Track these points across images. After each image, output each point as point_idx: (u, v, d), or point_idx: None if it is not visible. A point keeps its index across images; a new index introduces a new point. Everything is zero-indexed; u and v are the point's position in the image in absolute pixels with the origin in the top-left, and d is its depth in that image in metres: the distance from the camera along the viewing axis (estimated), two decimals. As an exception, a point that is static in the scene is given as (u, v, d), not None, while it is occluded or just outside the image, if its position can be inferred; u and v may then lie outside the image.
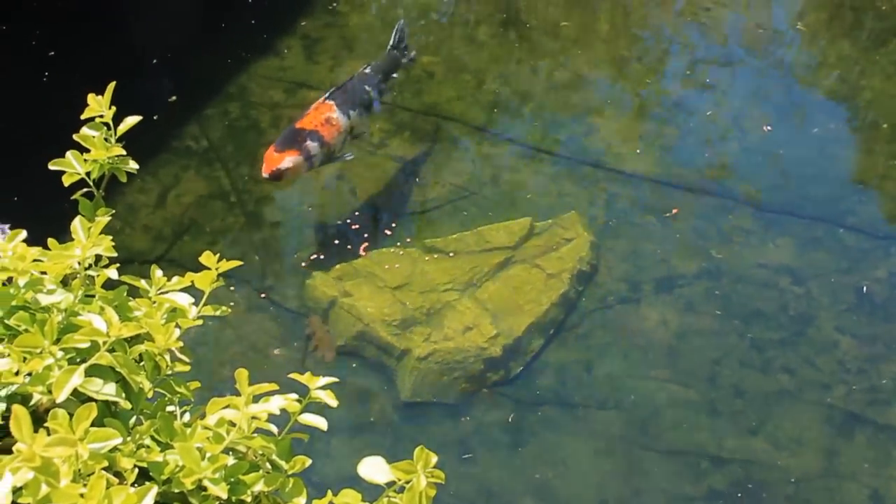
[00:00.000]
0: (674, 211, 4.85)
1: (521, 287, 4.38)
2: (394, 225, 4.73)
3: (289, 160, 4.35)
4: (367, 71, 4.92)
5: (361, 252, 4.53)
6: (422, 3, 6.34)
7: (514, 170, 5.12)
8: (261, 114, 5.37)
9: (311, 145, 4.45)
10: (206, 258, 1.88)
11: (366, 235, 4.66)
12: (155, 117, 5.06)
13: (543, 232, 4.65)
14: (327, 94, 4.66)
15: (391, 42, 5.11)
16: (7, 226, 4.02)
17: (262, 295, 4.42)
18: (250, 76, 5.67)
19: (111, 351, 1.70)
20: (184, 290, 1.89)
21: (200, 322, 1.83)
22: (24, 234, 1.94)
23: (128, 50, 5.85)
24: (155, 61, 5.81)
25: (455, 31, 6.18)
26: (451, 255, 4.53)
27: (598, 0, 6.37)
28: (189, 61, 5.80)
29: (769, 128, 5.34)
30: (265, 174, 4.35)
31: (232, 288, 4.41)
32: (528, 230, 4.64)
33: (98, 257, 1.90)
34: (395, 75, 5.15)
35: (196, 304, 1.86)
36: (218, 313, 1.86)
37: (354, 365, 4.19)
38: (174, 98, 5.48)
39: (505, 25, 6.20)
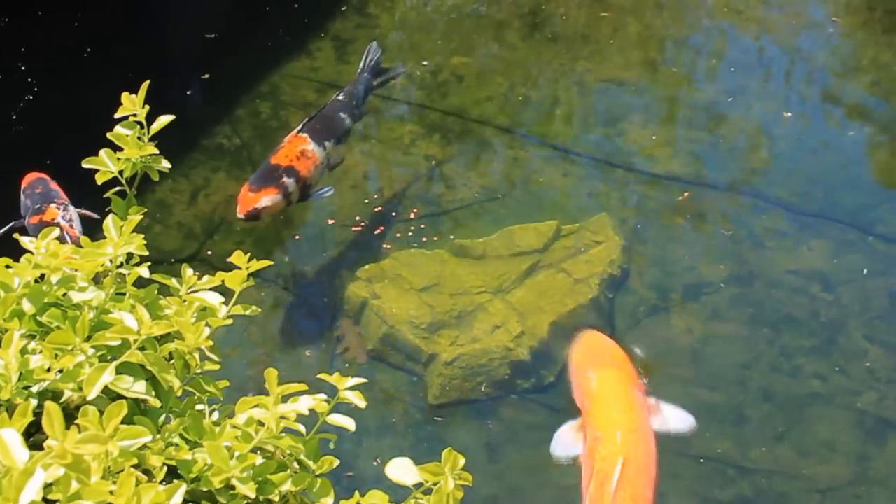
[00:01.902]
0: (685, 194, 4.83)
1: (550, 292, 4.36)
2: (422, 226, 4.73)
3: (266, 199, 4.16)
4: (341, 98, 4.74)
5: (385, 246, 4.52)
6: (451, 5, 6.34)
7: (544, 172, 5.11)
8: (291, 114, 5.39)
9: (288, 181, 4.25)
10: (237, 258, 1.89)
11: (397, 235, 4.67)
12: (187, 116, 5.09)
13: (571, 234, 4.63)
14: (301, 126, 4.48)
15: (362, 65, 4.92)
16: (83, 210, 4.08)
17: (291, 295, 4.44)
18: (281, 76, 5.69)
19: (141, 349, 1.71)
20: (214, 289, 1.90)
21: (230, 321, 1.84)
22: (56, 231, 1.96)
23: (160, 49, 5.89)
24: (186, 60, 5.85)
25: (485, 33, 6.17)
26: (479, 257, 4.53)
27: (628, 2, 6.34)
28: (221, 61, 5.83)
29: (789, 114, 5.31)
30: (241, 215, 4.15)
31: (261, 287, 4.43)
32: (556, 231, 4.62)
33: (129, 255, 1.92)
34: (368, 99, 4.95)
35: (226, 303, 1.87)
36: (248, 313, 1.87)
37: (382, 367, 4.19)
38: (206, 76, 5.51)
39: (535, 28, 6.19)
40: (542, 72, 5.86)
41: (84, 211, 4.09)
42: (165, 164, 2.04)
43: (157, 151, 2.01)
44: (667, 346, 4.25)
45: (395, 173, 5.04)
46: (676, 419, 3.34)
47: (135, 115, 2.03)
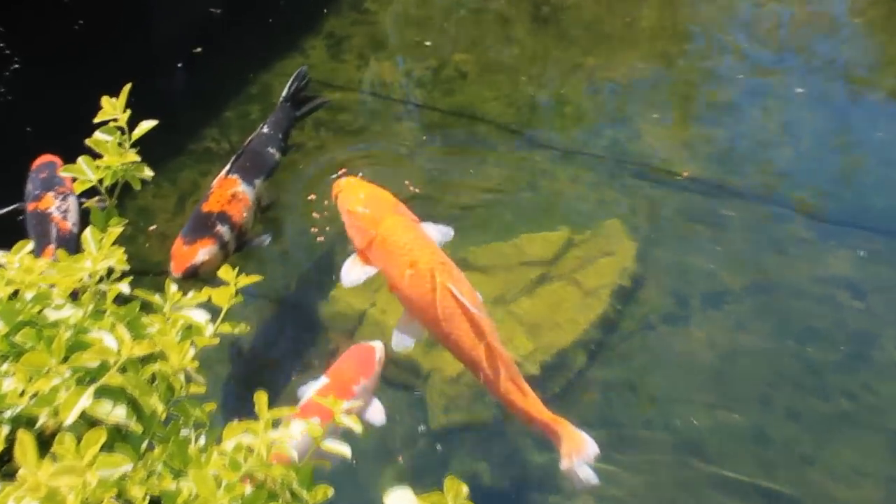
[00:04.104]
0: (684, 174, 4.85)
1: (560, 304, 4.35)
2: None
3: (203, 253, 3.97)
4: (266, 130, 4.67)
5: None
6: (447, 3, 6.36)
7: (552, 175, 5.11)
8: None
9: (223, 230, 4.09)
10: (225, 272, 1.88)
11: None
12: (173, 118, 5.09)
13: (583, 242, 4.62)
14: (229, 167, 4.37)
15: (285, 93, 4.85)
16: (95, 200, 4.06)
17: (281, 309, 4.42)
18: (273, 75, 5.70)
19: (122, 371, 1.70)
20: (200, 305, 1.88)
21: (217, 340, 1.83)
22: (31, 244, 1.95)
23: (146, 48, 5.89)
24: (174, 60, 5.84)
25: (489, 28, 6.17)
26: (483, 267, 4.51)
27: (642, -6, 6.36)
28: (210, 60, 5.83)
29: (801, 90, 5.30)
30: (177, 273, 3.91)
31: (250, 301, 4.41)
32: (567, 241, 4.62)
33: (110, 270, 1.90)
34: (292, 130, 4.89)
35: (213, 320, 1.86)
36: (236, 331, 1.86)
37: (381, 386, 4.17)
38: (199, 49, 5.51)
39: (543, 21, 6.18)
40: (551, 68, 5.85)
41: (93, 201, 4.06)
42: (148, 173, 2.03)
43: (138, 159, 2.00)
44: (685, 359, 4.22)
45: (392, 177, 5.02)
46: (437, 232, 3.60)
47: (115, 120, 2.02)
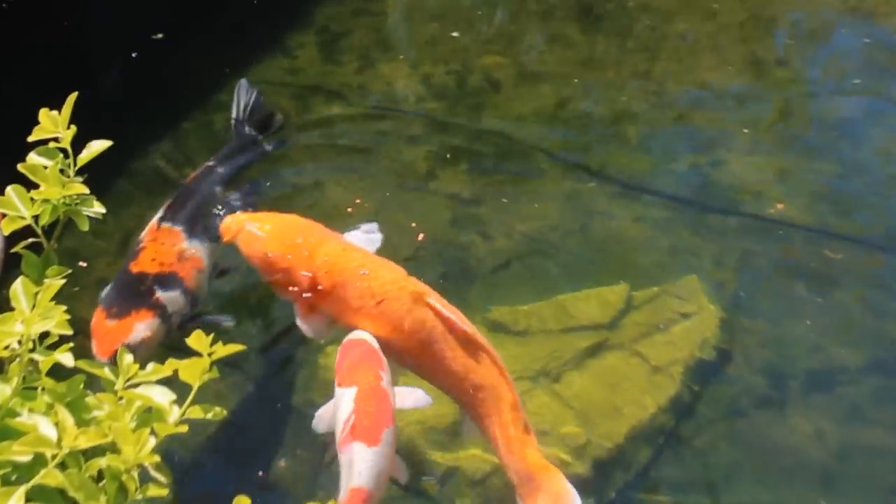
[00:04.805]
0: (778, 206, 4.85)
1: (619, 382, 4.35)
2: (444, 290, 4.70)
3: (139, 329, 3.80)
4: (213, 164, 4.61)
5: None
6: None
7: (610, 215, 5.12)
8: (261, 133, 5.42)
9: (165, 296, 3.94)
10: (197, 339, 1.88)
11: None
12: (115, 130, 5.13)
13: (650, 303, 4.63)
14: (163, 212, 4.25)
15: (234, 113, 4.83)
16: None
17: (262, 383, 4.42)
18: (248, 79, 5.74)
19: (62, 466, 1.69)
20: (163, 381, 1.89)
21: (185, 428, 1.83)
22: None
23: (91, 28, 5.94)
24: (126, 47, 5.89)
25: (529, 23, 6.21)
26: (521, 333, 4.52)
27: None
28: (171, 50, 5.89)
29: None
30: (103, 358, 3.69)
31: (223, 372, 4.40)
32: (629, 301, 4.62)
33: (45, 334, 1.91)
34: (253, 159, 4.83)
35: (179, 401, 1.87)
36: (210, 416, 1.86)
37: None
38: (160, 35, 5.56)
39: (598, 16, 6.22)
40: (607, 76, 5.88)
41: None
42: (98, 209, 2.04)
43: (86, 190, 2.01)
44: (783, 456, 4.20)
45: (405, 216, 5.04)
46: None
47: (57, 140, 2.03)
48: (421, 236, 4.96)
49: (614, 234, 5.04)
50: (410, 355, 3.50)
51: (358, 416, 3.23)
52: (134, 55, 6.01)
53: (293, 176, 5.37)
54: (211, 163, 4.62)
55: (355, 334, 3.56)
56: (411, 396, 3.49)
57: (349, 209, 5.10)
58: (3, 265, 4.13)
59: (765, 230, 5.04)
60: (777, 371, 4.50)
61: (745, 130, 5.53)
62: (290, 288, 3.60)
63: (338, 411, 3.35)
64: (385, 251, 4.31)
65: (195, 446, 4.24)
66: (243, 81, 4.91)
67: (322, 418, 3.46)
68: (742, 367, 4.50)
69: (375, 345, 3.50)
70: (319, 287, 3.54)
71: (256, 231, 3.64)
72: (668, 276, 4.77)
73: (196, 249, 4.13)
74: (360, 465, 3.11)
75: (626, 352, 4.48)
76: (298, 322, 3.62)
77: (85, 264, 4.76)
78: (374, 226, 3.81)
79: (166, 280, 3.97)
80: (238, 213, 3.88)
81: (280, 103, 5.60)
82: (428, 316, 3.45)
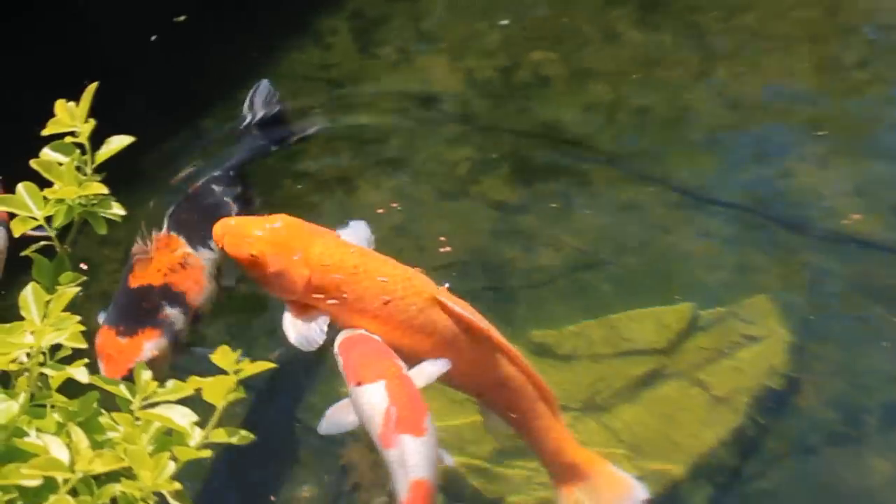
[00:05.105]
0: (853, 216, 4.91)
1: (676, 414, 4.33)
2: (484, 308, 4.69)
3: (148, 347, 3.84)
4: (219, 173, 4.59)
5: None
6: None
7: (668, 228, 5.10)
8: (289, 130, 5.43)
9: (172, 312, 3.96)
10: (221, 355, 1.88)
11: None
12: (129, 120, 5.14)
13: (713, 326, 4.61)
14: (168, 221, 4.24)
15: (247, 116, 4.82)
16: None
17: (279, 403, 4.43)
18: (277, 74, 5.74)
19: (72, 493, 1.70)
20: (184, 401, 1.90)
21: (208, 453, 1.83)
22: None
23: (105, 25, 5.97)
24: (146, 29, 5.92)
25: (583, 15, 6.20)
26: (566, 357, 4.52)
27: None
28: (193, 35, 5.92)
29: None
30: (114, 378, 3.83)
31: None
32: (689, 323, 4.59)
33: (56, 346, 1.92)
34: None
35: (202, 423, 1.86)
36: (235, 440, 1.87)
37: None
38: (183, 18, 5.59)
39: (658, 8, 6.20)
40: (669, 74, 5.87)
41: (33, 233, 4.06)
42: (118, 210, 2.04)
43: (105, 190, 2.01)
44: (858, 498, 4.17)
45: (442, 225, 5.04)
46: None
47: (73, 134, 2.04)
48: (447, 248, 4.96)
49: (673, 248, 5.03)
50: (423, 356, 3.55)
51: (399, 409, 3.33)
52: (153, 38, 6.02)
53: (322, 173, 5.40)
54: (217, 172, 4.61)
55: (349, 332, 3.62)
56: (423, 376, 3.52)
57: (380, 210, 5.12)
58: (4, 266, 4.14)
59: (839, 246, 5.00)
60: (851, 403, 4.46)
61: (819, 135, 5.48)
62: (282, 287, 3.64)
63: (364, 409, 3.41)
64: (418, 262, 4.31)
65: (203, 468, 4.26)
66: (265, 83, 4.89)
67: (332, 419, 3.54)
68: (812, 399, 4.47)
69: (377, 337, 3.58)
70: (344, 295, 3.58)
71: (246, 232, 3.68)
72: (732, 295, 4.74)
73: (199, 257, 4.14)
74: (413, 457, 3.25)
75: (685, 380, 4.46)
76: (287, 327, 3.64)
77: (86, 266, 4.77)
78: (362, 224, 3.86)
79: (170, 294, 3.99)
80: (227, 216, 3.92)
81: (310, 96, 5.61)
82: (440, 315, 3.53)
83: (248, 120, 4.79)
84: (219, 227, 3.74)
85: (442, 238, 5.00)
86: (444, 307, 3.51)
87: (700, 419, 4.33)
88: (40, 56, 5.69)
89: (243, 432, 1.99)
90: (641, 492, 3.60)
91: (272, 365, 2.04)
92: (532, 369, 3.60)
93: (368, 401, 3.40)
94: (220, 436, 1.93)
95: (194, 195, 4.45)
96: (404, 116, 5.67)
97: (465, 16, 6.15)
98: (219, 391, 1.93)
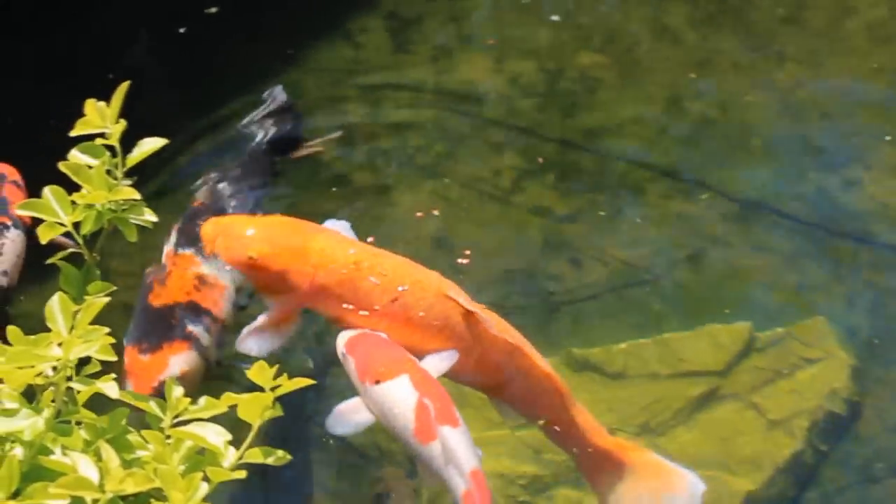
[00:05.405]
0: None
1: (732, 438, 4.33)
2: (525, 324, 4.68)
3: (175, 363, 3.93)
4: (221, 185, 4.69)
5: None
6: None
7: (726, 242, 5.11)
8: (319, 131, 5.46)
9: (196, 329, 4.06)
10: (258, 371, 1.89)
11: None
12: (151, 116, 5.18)
13: (770, 347, 4.61)
14: (176, 237, 4.38)
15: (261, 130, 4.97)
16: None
17: (312, 426, 4.43)
18: (305, 71, 5.79)
19: (103, 515, 1.73)
20: (217, 419, 1.90)
21: (243, 474, 1.84)
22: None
23: (133, 14, 6.01)
24: (175, 20, 5.94)
25: (635, 14, 6.20)
26: (617, 376, 4.52)
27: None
28: (224, 29, 5.98)
29: None
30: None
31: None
32: (746, 343, 4.60)
33: (83, 360, 1.93)
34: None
35: (235, 442, 1.87)
36: (271, 461, 1.87)
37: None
38: (214, 10, 5.61)
39: (715, 7, 6.20)
40: (727, 78, 5.87)
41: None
42: (149, 217, 2.06)
43: (136, 195, 2.03)
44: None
45: (484, 234, 5.05)
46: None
47: (104, 135, 2.04)
48: (465, 260, 4.98)
49: (729, 264, 5.03)
50: (433, 352, 3.60)
51: (433, 402, 3.37)
52: (182, 31, 6.08)
53: (357, 177, 5.44)
54: (212, 176, 4.72)
55: (350, 332, 3.64)
56: (433, 370, 3.56)
57: (418, 213, 5.16)
58: (20, 271, 4.20)
59: (906, 265, 5.00)
60: (918, 430, 4.47)
61: (887, 140, 5.48)
62: (286, 286, 3.65)
63: (388, 407, 3.43)
64: (453, 274, 4.37)
65: (228, 490, 4.28)
66: (279, 89, 4.99)
67: (342, 418, 3.55)
68: (875, 425, 4.47)
69: (381, 334, 3.62)
70: (350, 292, 3.61)
71: (240, 232, 3.67)
72: (790, 316, 4.73)
73: (216, 273, 4.24)
74: (459, 447, 3.28)
75: (742, 402, 4.46)
76: (256, 330, 3.63)
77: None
78: (344, 224, 3.87)
79: (193, 309, 4.10)
80: (214, 218, 3.90)
81: (341, 103, 5.64)
82: (451, 309, 3.58)
83: (257, 129, 4.94)
84: (209, 229, 3.70)
85: (473, 249, 5.02)
86: (453, 302, 3.56)
87: (757, 444, 4.33)
88: (62, 46, 5.72)
89: (280, 452, 1.99)
90: (698, 483, 3.59)
91: (311, 381, 2.05)
92: (546, 363, 3.66)
93: (394, 397, 3.42)
94: (256, 456, 1.94)
95: (203, 207, 4.54)
96: (445, 119, 5.72)
97: (507, 15, 6.16)
98: (255, 409, 1.95)
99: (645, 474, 3.62)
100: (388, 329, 3.59)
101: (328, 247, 3.62)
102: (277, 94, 5.04)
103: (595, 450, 3.64)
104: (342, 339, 3.62)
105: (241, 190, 4.71)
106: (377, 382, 3.46)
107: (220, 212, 4.49)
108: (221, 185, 4.70)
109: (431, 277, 3.64)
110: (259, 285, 3.71)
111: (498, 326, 3.59)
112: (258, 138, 4.98)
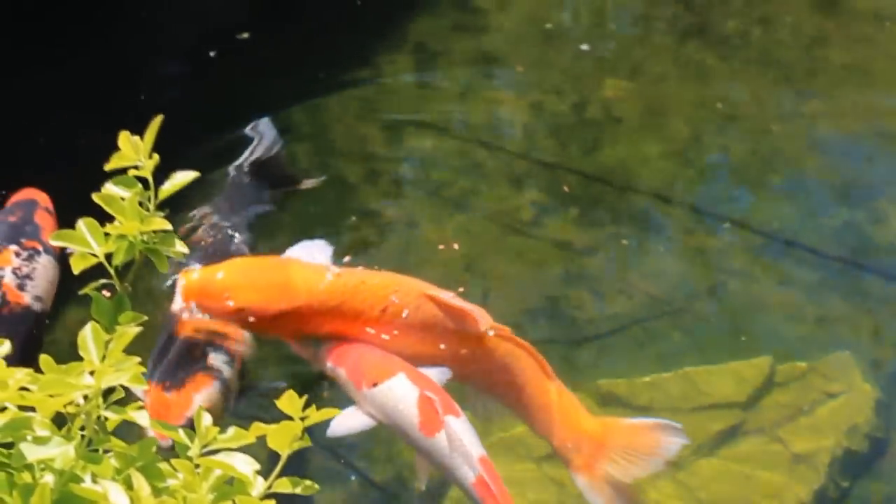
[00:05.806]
0: None
1: (754, 474, 4.33)
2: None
3: (199, 399, 3.89)
4: (217, 219, 4.68)
5: None
6: (597, 6, 6.45)
7: (749, 276, 5.11)
8: (346, 166, 5.51)
9: (219, 363, 4.01)
10: (288, 401, 1.90)
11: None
12: (176, 137, 5.20)
13: (794, 382, 4.62)
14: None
15: (246, 163, 4.94)
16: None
17: (341, 464, 4.44)
18: (329, 106, 5.80)
19: (132, 543, 1.75)
20: (246, 448, 1.91)
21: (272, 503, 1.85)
22: (7, 345, 2.01)
23: (164, 36, 6.08)
24: (207, 43, 5.98)
25: (658, 46, 6.22)
26: (642, 409, 4.52)
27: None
28: (256, 53, 6.02)
29: None
30: (163, 441, 3.83)
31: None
32: (768, 378, 4.61)
33: (110, 389, 1.94)
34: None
35: (264, 472, 1.88)
36: (300, 490, 1.88)
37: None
38: (246, 35, 5.63)
39: (738, 39, 6.21)
40: (749, 112, 5.88)
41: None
42: (181, 248, 2.08)
43: (168, 226, 2.05)
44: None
45: (505, 269, 5.08)
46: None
47: (136, 168, 2.07)
48: (511, 290, 4.99)
49: (752, 297, 5.04)
50: (421, 354, 3.73)
51: (435, 393, 3.48)
52: (212, 54, 6.14)
53: (382, 210, 5.45)
54: (206, 211, 4.72)
55: (331, 344, 3.73)
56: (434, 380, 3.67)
57: (441, 245, 5.17)
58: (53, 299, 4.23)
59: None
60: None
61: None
62: (290, 327, 3.77)
63: (389, 406, 3.53)
64: (493, 305, 4.40)
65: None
66: (265, 121, 5.01)
67: (341, 424, 3.59)
68: (899, 460, 4.48)
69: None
70: (342, 311, 3.71)
71: (219, 286, 3.73)
72: (815, 350, 4.74)
73: None
74: (465, 435, 3.40)
75: (765, 437, 4.47)
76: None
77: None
78: (321, 242, 4.01)
79: (214, 343, 4.06)
80: (188, 269, 3.93)
81: (365, 136, 5.67)
82: (436, 311, 3.71)
83: (241, 162, 4.92)
84: (184, 290, 3.73)
85: (497, 282, 5.04)
86: (434, 300, 3.69)
87: (780, 479, 4.33)
88: (94, 67, 5.75)
89: (307, 482, 1.97)
90: (678, 434, 3.65)
91: (338, 412, 2.06)
92: (531, 347, 3.76)
93: (395, 395, 3.51)
94: (285, 486, 1.94)
95: (210, 246, 4.54)
96: (468, 153, 5.75)
97: (531, 49, 6.18)
98: (284, 438, 1.94)
99: (621, 442, 3.66)
100: (380, 337, 3.71)
101: (310, 276, 3.73)
102: (264, 129, 5.02)
103: (578, 431, 3.70)
104: (325, 355, 3.71)
105: (231, 217, 4.71)
106: (375, 385, 3.55)
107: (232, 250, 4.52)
108: (215, 219, 4.68)
109: (412, 283, 3.77)
110: (255, 330, 3.81)
111: (483, 318, 3.68)
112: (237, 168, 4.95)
